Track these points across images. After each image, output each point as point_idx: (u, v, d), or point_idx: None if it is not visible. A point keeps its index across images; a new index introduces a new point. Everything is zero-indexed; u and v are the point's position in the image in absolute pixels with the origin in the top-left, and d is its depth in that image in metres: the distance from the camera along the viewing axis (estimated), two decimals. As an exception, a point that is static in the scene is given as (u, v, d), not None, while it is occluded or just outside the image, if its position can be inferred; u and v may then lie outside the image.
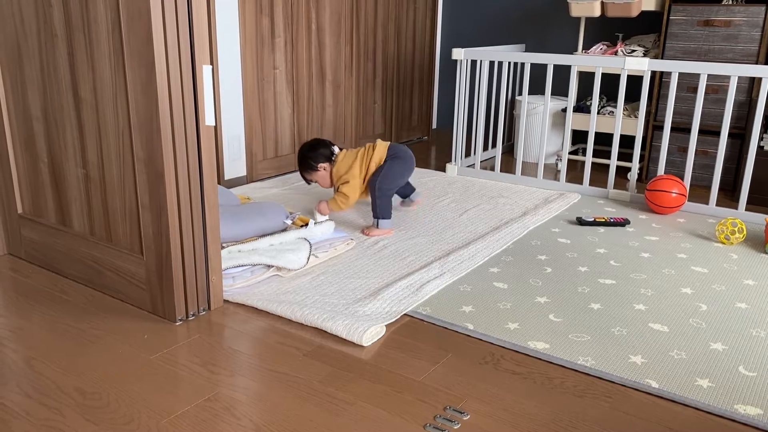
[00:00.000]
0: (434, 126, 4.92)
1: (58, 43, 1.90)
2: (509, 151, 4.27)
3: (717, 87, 3.29)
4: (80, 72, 1.87)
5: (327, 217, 2.64)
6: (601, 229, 2.74)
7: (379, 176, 2.58)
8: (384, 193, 2.58)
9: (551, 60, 3.20)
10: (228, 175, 3.26)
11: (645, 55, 3.53)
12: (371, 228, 2.59)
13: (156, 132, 1.70)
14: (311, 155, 2.67)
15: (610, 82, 3.88)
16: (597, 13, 3.52)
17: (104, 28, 1.75)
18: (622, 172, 3.64)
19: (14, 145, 2.21)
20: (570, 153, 3.87)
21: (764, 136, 3.10)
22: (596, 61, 3.16)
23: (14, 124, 2.18)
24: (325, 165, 2.67)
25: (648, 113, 3.52)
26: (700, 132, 3.27)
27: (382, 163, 2.63)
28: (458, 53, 3.44)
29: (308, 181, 2.75)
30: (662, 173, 3.05)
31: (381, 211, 2.58)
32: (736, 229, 2.57)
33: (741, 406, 1.51)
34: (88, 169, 1.97)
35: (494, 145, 4.10)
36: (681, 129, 3.36)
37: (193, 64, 1.73)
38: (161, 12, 1.63)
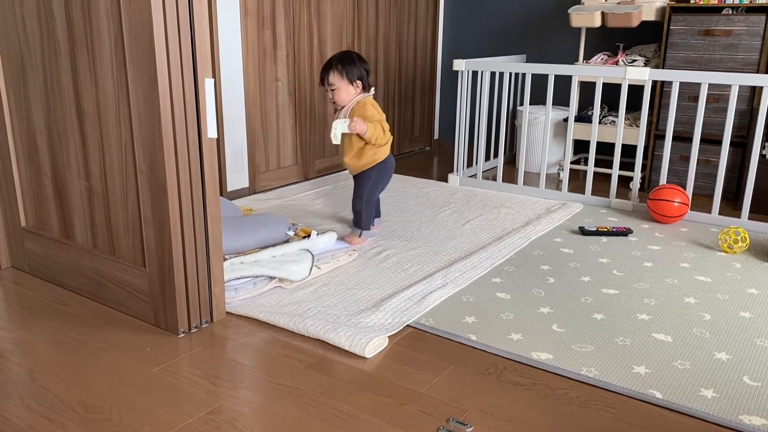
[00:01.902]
0: (436, 136, 4.93)
1: (61, 57, 1.92)
2: (511, 161, 4.28)
3: (718, 96, 3.30)
4: (83, 85, 1.88)
5: (345, 126, 2.42)
6: (604, 239, 2.74)
7: (365, 191, 2.59)
8: (371, 203, 2.63)
9: (552, 70, 3.21)
10: (230, 186, 3.26)
11: (646, 64, 3.54)
12: (353, 236, 2.61)
13: (158, 144, 1.71)
14: (358, 65, 2.48)
15: (611, 91, 3.89)
16: (597, 23, 3.54)
17: (107, 41, 1.76)
18: (624, 181, 3.64)
19: (18, 159, 2.22)
20: (572, 163, 3.87)
21: (766, 144, 3.10)
22: (597, 71, 3.17)
23: (18, 137, 2.19)
24: (360, 86, 2.50)
25: (649, 123, 3.52)
26: (702, 141, 3.27)
27: (378, 161, 2.56)
28: (459, 64, 3.45)
29: (324, 81, 2.51)
30: (664, 182, 3.05)
31: (366, 222, 2.63)
32: (739, 237, 2.56)
33: (746, 417, 1.50)
34: (91, 182, 1.98)
35: (496, 156, 4.11)
36: (682, 138, 3.36)
37: (196, 77, 1.74)
38: (163, 25, 1.64)
